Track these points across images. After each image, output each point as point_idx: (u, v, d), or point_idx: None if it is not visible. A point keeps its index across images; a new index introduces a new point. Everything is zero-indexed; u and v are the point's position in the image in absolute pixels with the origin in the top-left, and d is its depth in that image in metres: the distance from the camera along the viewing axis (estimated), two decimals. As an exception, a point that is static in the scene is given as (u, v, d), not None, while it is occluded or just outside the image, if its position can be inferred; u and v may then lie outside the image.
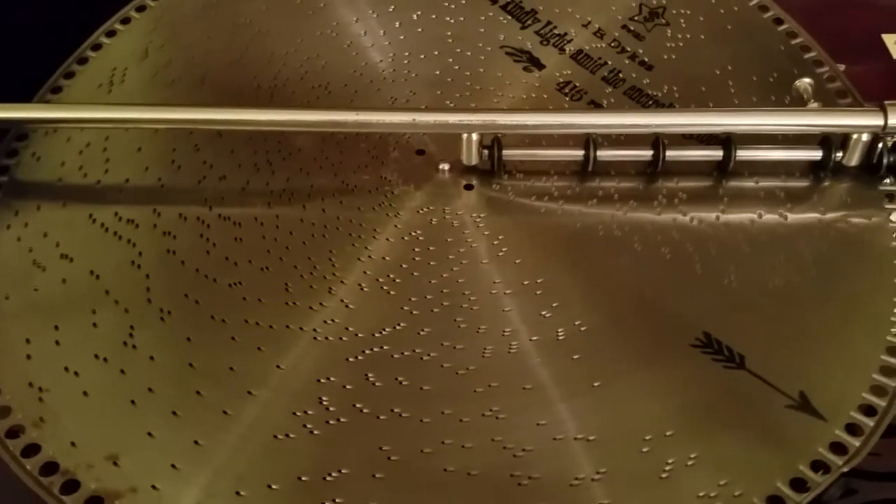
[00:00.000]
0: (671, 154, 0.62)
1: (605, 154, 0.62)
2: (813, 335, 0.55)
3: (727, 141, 0.62)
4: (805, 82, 0.65)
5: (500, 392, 0.53)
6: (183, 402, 0.53)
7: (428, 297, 0.57)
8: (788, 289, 0.57)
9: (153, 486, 0.50)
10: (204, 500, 0.49)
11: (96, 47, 0.71)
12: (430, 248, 0.59)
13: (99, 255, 0.59)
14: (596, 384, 0.53)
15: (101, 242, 0.60)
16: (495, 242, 0.59)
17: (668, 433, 0.51)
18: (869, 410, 0.53)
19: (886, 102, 0.59)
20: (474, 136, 0.61)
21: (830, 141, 0.61)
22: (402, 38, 0.69)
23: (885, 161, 0.60)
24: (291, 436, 0.51)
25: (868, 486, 0.55)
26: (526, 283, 0.57)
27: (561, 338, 0.55)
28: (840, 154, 0.61)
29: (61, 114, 0.62)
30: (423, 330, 0.55)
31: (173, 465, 0.51)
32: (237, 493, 0.50)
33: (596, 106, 0.65)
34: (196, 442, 0.51)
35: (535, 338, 0.55)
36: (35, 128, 0.65)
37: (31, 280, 0.58)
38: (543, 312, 0.56)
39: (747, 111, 0.64)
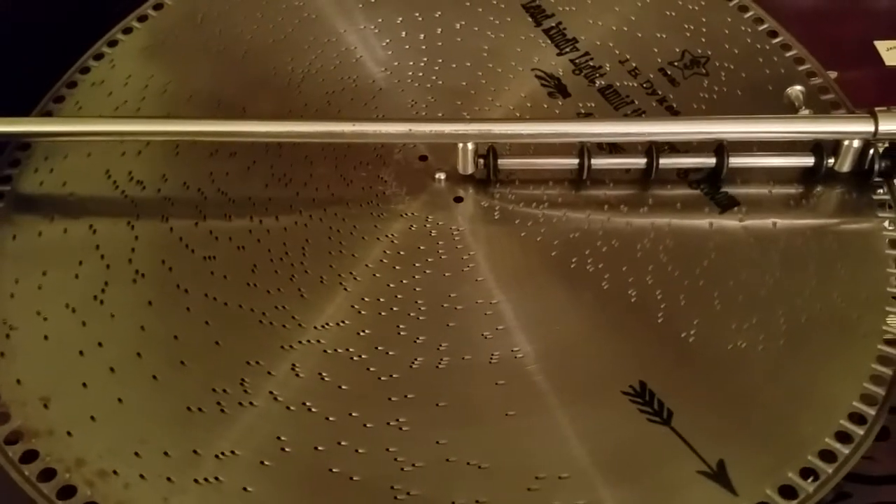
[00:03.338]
0: (665, 162, 0.61)
1: (599, 162, 0.61)
2: (756, 407, 0.53)
3: (720, 148, 0.61)
4: (796, 90, 0.64)
5: (412, 404, 0.53)
6: (122, 360, 0.55)
7: (380, 299, 0.57)
8: (748, 356, 0.55)
9: (68, 433, 0.53)
10: (104, 454, 0.52)
11: (158, 7, 0.74)
12: (400, 253, 0.59)
13: (102, 211, 0.63)
14: (510, 413, 0.52)
15: (107, 199, 0.63)
16: (464, 258, 0.59)
17: (562, 475, 0.50)
18: (789, 493, 0.50)
19: (877, 109, 0.58)
20: (470, 146, 0.60)
21: (822, 147, 0.60)
22: (439, 44, 0.70)
23: (876, 167, 0.60)
24: (203, 410, 0.53)
25: (862, 490, 0.53)
26: (479, 301, 0.57)
27: (493, 361, 0.54)
28: (832, 160, 0.60)
29: (58, 127, 0.64)
30: (363, 331, 0.56)
31: (92, 417, 0.53)
32: (135, 453, 0.51)
33: (612, 150, 0.63)
34: (119, 399, 0.54)
35: (467, 357, 0.54)
36: (79, 79, 0.71)
37: (38, 225, 0.62)
38: (485, 333, 0.55)
39: (740, 119, 0.62)
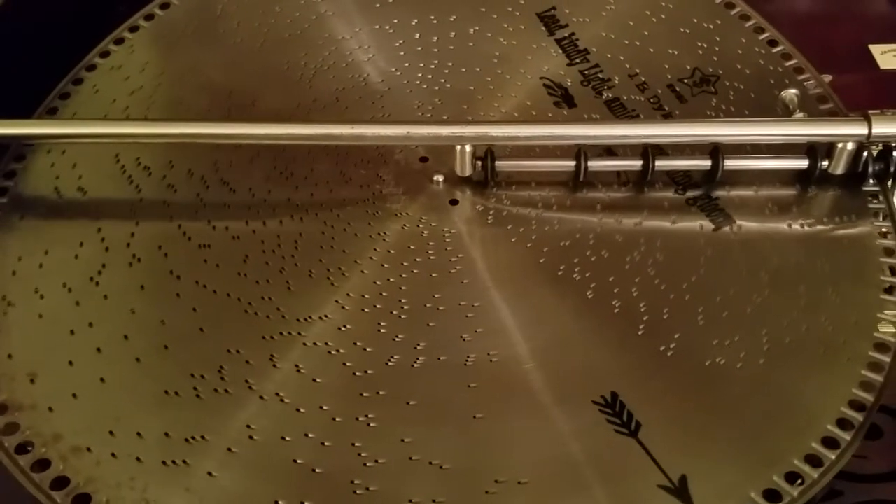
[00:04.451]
0: (661, 164, 0.61)
1: (596, 164, 0.62)
2: (727, 424, 0.53)
3: (715, 151, 0.61)
4: (791, 93, 0.64)
5: (383, 401, 0.53)
6: (109, 341, 0.57)
7: (365, 296, 0.58)
8: (725, 373, 0.54)
9: (49, 408, 0.54)
10: (80, 431, 0.53)
11: (182, -5, 0.75)
12: (390, 252, 0.60)
13: (107, 194, 0.64)
14: (478, 416, 0.53)
15: (114, 182, 0.65)
16: (453, 259, 0.59)
17: (522, 480, 0.50)
18: (751, 513, 0.49)
19: (870, 112, 0.58)
20: (468, 148, 0.61)
21: (816, 150, 0.60)
22: (451, 48, 0.70)
23: (869, 169, 0.60)
24: (179, 394, 0.54)
25: (854, 488, 0.54)
26: (462, 303, 0.57)
27: (468, 364, 0.54)
28: (826, 163, 0.61)
29: (60, 130, 0.65)
30: (344, 326, 0.56)
31: (74, 395, 0.54)
32: (110, 432, 0.53)
33: (609, 154, 0.64)
34: (102, 379, 0.55)
35: (442, 358, 0.55)
36: (99, 62, 0.72)
37: (46, 204, 0.64)
38: (464, 335, 0.56)
39: (735, 121, 0.63)
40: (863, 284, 0.58)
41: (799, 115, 0.63)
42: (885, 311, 0.57)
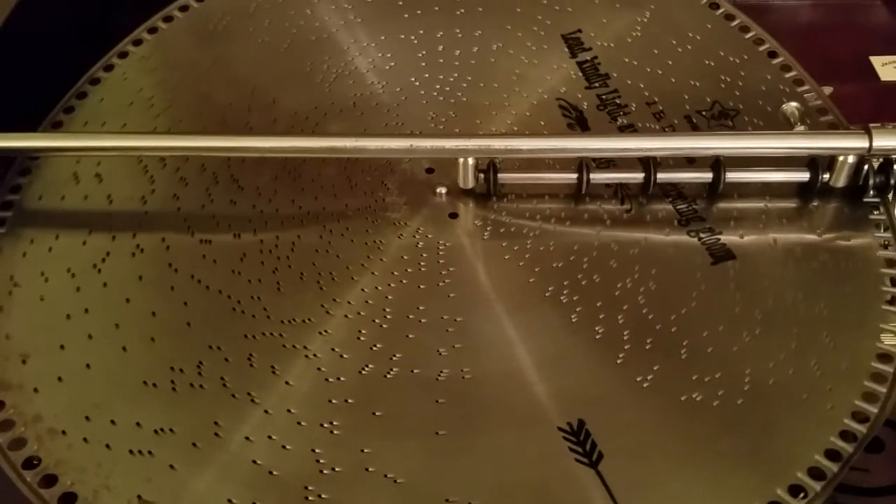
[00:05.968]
0: (662, 176, 0.61)
1: (598, 177, 0.62)
2: (691, 463, 0.52)
3: (717, 164, 0.61)
4: (792, 106, 0.64)
5: (349, 409, 0.54)
6: (101, 329, 0.58)
7: (350, 302, 0.58)
8: (699, 411, 0.54)
9: (35, 389, 0.56)
10: (59, 414, 0.54)
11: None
12: (382, 260, 0.60)
13: (121, 183, 0.65)
14: (441, 432, 0.53)
15: (130, 171, 0.66)
16: (442, 273, 0.59)
17: (473, 502, 0.50)
18: (701, 560, 0.48)
19: (871, 125, 0.58)
20: (470, 161, 0.61)
21: (817, 163, 0.61)
22: (472, 62, 0.70)
23: (870, 182, 0.60)
24: (157, 386, 0.55)
25: (855, 501, 0.53)
26: (444, 317, 0.57)
27: (440, 378, 0.55)
28: (827, 176, 0.61)
29: (63, 143, 0.65)
30: (324, 330, 0.57)
31: (59, 378, 0.56)
32: (86, 417, 0.54)
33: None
34: (87, 365, 0.56)
35: (415, 370, 0.55)
36: (131, 50, 0.74)
37: (63, 188, 0.65)
38: (441, 350, 0.56)
39: (736, 135, 0.63)
40: (859, 332, 0.57)
41: (800, 128, 0.63)
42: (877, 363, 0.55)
